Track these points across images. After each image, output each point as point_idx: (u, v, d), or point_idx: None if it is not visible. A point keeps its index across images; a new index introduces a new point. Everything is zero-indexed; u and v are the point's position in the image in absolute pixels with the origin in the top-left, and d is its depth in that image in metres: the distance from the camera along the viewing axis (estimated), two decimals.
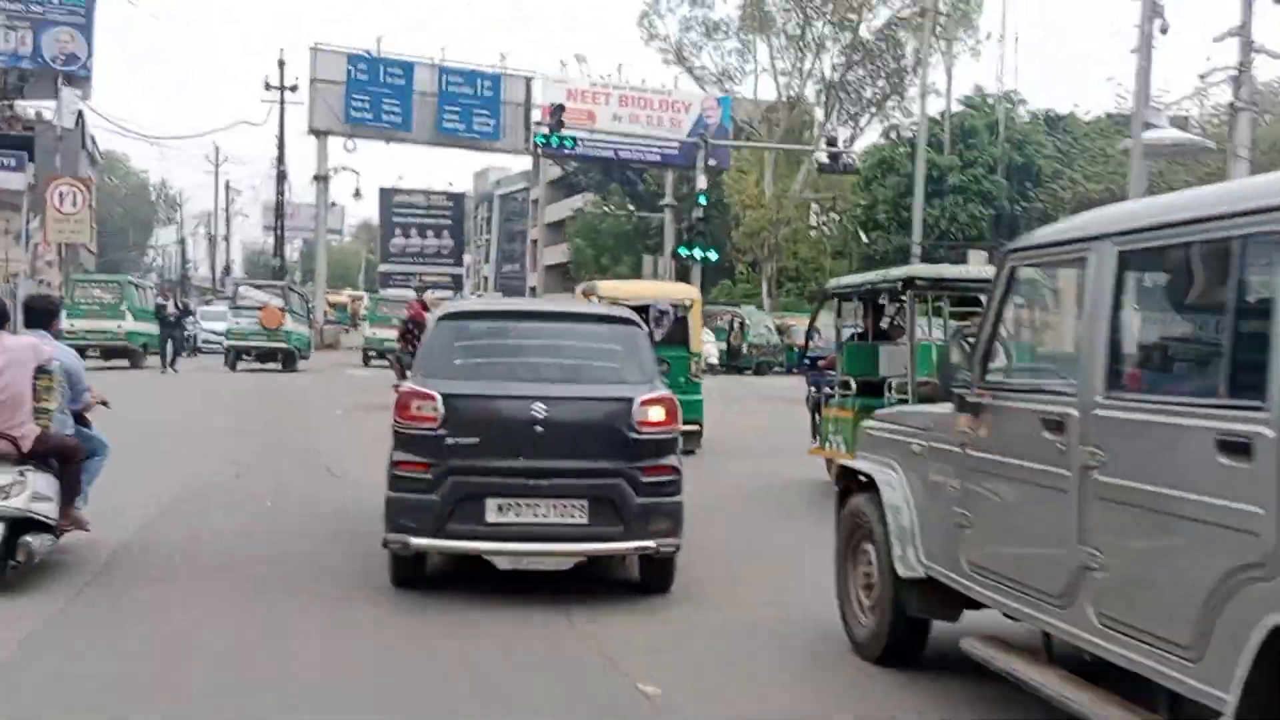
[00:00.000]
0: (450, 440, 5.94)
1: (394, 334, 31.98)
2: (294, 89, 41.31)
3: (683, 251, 29.71)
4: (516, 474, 5.94)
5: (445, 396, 5.98)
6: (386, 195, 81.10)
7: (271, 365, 26.36)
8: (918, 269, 9.83)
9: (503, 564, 6.18)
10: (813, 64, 45.06)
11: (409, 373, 6.84)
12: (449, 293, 73.53)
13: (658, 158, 43.36)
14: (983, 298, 6.53)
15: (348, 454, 11.50)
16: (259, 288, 28.86)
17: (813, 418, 10.99)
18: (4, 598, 5.87)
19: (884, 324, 10.61)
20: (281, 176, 41.73)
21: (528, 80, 42.04)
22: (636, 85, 42.81)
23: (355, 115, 39.44)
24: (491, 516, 5.93)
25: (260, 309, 26.04)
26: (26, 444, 6.19)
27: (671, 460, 6.16)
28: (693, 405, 11.36)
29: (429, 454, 5.96)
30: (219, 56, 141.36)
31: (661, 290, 15.59)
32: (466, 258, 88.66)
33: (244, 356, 26.25)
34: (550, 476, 5.95)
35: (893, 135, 41.78)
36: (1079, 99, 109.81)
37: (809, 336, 12.64)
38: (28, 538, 6.03)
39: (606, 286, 13.83)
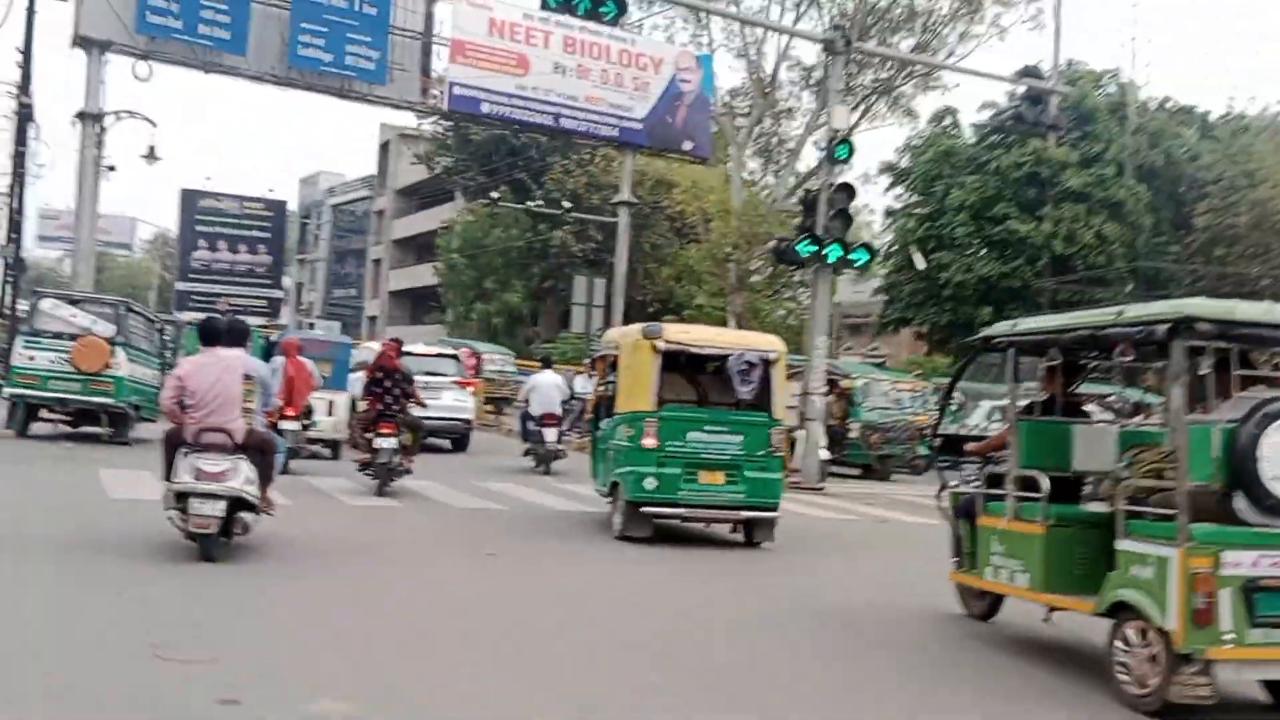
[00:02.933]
0: None
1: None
2: None
3: (803, 250, 15.90)
4: None
5: None
6: (189, 198, 64.94)
7: (89, 429, 17.14)
8: (1199, 306, 5.94)
9: None
10: (788, 41, 32.49)
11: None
12: (267, 319, 58.05)
13: (614, 132, 29.81)
14: None
15: None
16: (76, 303, 17.65)
17: (955, 526, 7.80)
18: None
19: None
20: (25, 117, 25.86)
21: (430, 1, 28.05)
22: (590, 26, 29.29)
23: (154, 22, 24.51)
24: None
25: (75, 338, 16.61)
26: (238, 436, 7.96)
27: None
28: (770, 485, 10.43)
29: None
30: None
31: (743, 339, 11.90)
32: (287, 279, 72.61)
33: (42, 415, 17.20)
34: None
35: (949, 119, 29.62)
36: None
37: (944, 405, 9.29)
38: (242, 513, 7.93)
39: (674, 330, 11.24)
